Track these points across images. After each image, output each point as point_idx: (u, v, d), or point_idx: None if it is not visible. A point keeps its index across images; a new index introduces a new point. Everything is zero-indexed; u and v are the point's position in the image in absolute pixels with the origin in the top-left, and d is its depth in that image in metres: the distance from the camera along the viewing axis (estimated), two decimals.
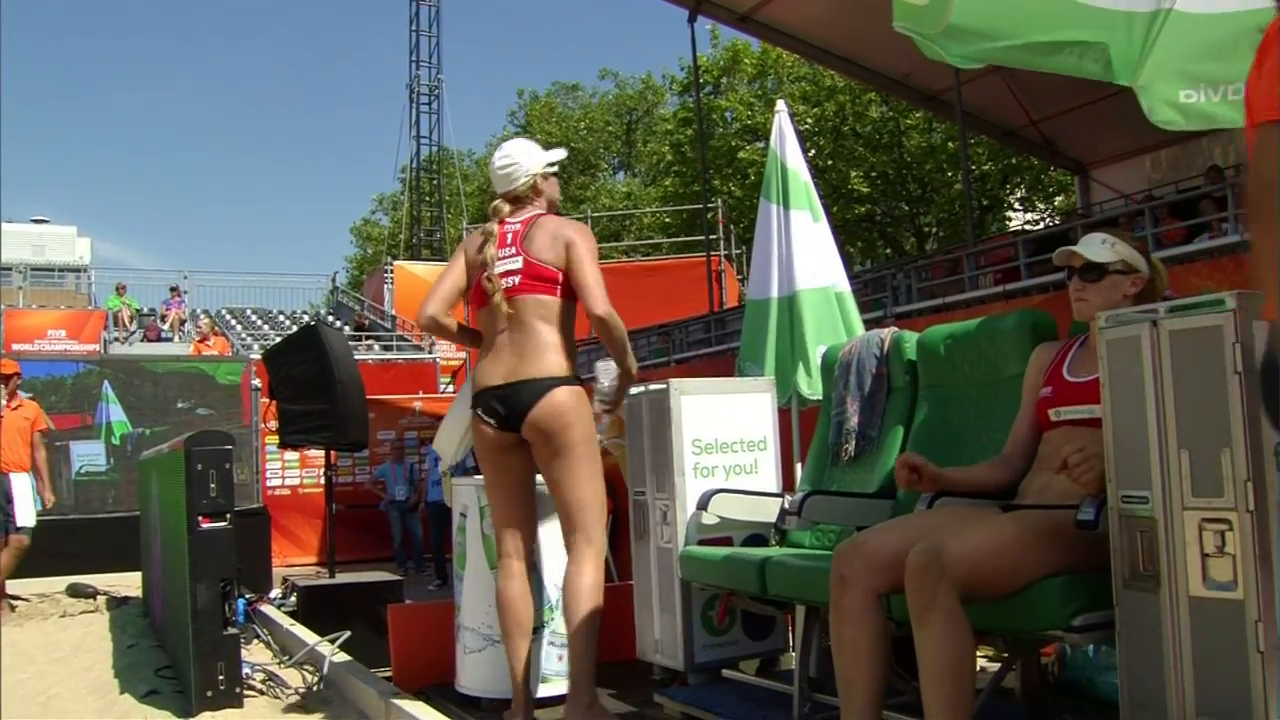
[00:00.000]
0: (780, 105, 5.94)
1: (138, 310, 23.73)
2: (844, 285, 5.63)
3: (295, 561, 12.25)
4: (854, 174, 24.30)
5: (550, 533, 4.11)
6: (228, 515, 4.84)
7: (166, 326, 22.70)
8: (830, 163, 24.49)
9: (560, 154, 4.12)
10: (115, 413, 11.29)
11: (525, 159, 3.94)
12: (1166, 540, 2.39)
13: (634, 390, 4.47)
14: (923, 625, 2.49)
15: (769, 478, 4.39)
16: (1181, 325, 2.40)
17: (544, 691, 4.17)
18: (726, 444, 4.30)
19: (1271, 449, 2.30)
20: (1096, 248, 2.95)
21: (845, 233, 24.88)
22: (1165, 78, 4.29)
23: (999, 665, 3.38)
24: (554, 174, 4.01)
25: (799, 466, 4.85)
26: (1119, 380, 2.50)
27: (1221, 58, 4.19)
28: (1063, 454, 2.71)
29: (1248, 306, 2.32)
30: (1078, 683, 3.85)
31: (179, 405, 11.37)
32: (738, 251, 20.45)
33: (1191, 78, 4.24)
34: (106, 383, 11.42)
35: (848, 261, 5.19)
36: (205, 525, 4.79)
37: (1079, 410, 2.85)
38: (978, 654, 3.49)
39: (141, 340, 21.93)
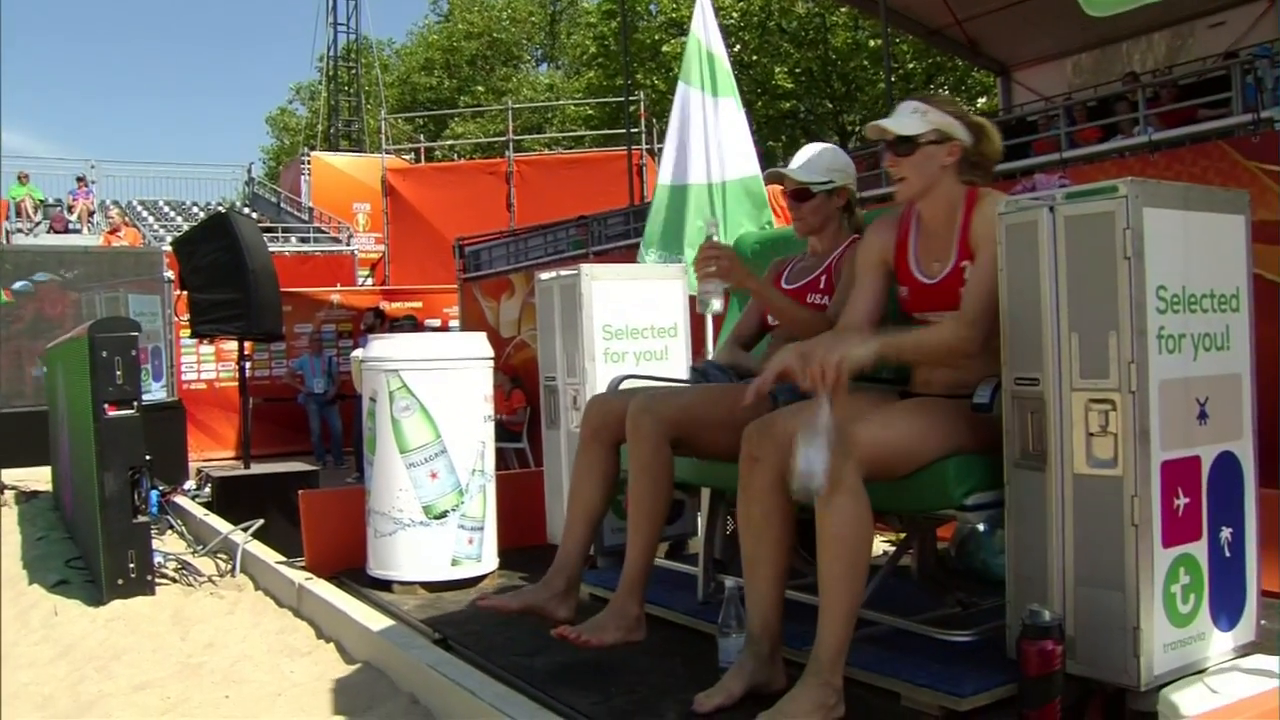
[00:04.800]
0: None
1: (42, 200, 22.91)
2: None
3: (212, 456, 12.14)
4: (778, 70, 24.15)
5: (455, 422, 4.13)
6: (134, 402, 4.77)
7: (74, 217, 21.96)
8: (755, 58, 24.31)
9: None
10: None
11: None
12: (1055, 421, 2.47)
13: (545, 276, 4.47)
14: (825, 503, 2.51)
15: (679, 364, 4.43)
16: (1077, 211, 2.44)
17: (456, 574, 4.21)
18: (637, 330, 4.33)
19: (1154, 332, 2.37)
20: (907, 119, 2.86)
21: (769, 129, 24.79)
22: None
23: (895, 548, 3.50)
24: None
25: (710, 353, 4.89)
26: (1015, 264, 2.55)
27: None
28: None
29: (1140, 194, 2.37)
30: (974, 566, 3.99)
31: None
32: (659, 146, 20.20)
33: None
34: None
35: (767, 158, 5.19)
36: (112, 413, 4.72)
37: (939, 315, 2.84)
38: (878, 538, 3.59)
39: (48, 232, 21.24)
